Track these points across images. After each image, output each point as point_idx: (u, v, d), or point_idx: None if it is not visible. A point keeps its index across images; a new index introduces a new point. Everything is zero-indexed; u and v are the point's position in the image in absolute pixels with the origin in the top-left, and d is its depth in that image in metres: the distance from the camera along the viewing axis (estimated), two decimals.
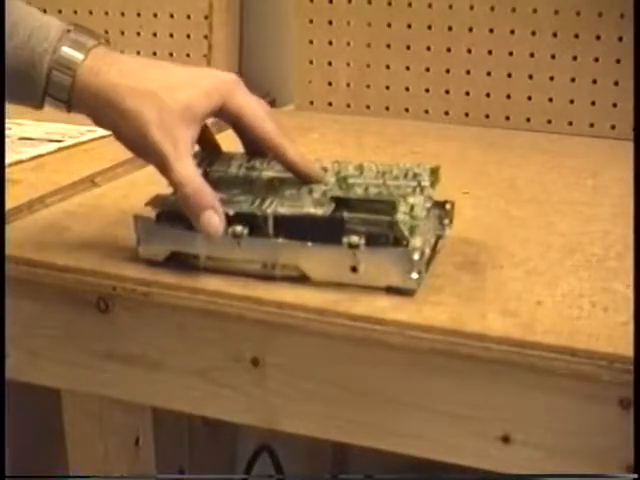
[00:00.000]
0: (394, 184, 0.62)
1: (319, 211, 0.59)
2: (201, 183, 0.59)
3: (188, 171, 0.59)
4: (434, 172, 0.64)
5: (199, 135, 0.63)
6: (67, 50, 0.60)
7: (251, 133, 0.62)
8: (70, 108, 0.61)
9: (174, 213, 0.60)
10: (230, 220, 0.59)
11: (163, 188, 0.62)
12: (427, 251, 0.60)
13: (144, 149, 0.60)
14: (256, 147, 0.64)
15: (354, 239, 0.57)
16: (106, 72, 0.60)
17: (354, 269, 0.58)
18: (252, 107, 0.62)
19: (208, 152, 0.66)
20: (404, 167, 0.64)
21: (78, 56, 0.60)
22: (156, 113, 0.59)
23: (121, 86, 0.59)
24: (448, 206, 0.65)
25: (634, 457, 0.50)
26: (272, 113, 0.63)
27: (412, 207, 0.60)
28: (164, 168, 0.59)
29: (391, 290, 0.58)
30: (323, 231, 0.55)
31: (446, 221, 0.65)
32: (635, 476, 0.50)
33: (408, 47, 1.11)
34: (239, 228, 0.59)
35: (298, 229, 0.58)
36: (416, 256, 0.57)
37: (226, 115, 0.62)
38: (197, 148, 0.66)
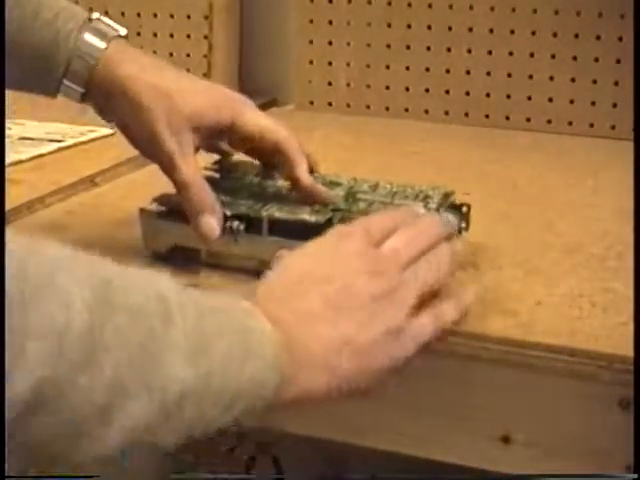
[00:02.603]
0: (401, 203, 0.62)
1: (313, 218, 0.59)
2: (203, 184, 0.60)
3: (192, 171, 0.60)
4: (447, 196, 0.64)
5: (220, 149, 0.65)
6: (90, 36, 0.61)
7: (272, 146, 0.62)
8: (84, 96, 0.62)
9: (178, 211, 0.61)
10: (228, 219, 0.60)
11: (162, 189, 0.62)
12: None
13: (150, 146, 0.60)
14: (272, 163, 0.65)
15: None
16: (127, 64, 0.60)
17: None
18: (269, 123, 0.62)
19: (228, 161, 0.68)
20: (419, 189, 0.64)
21: (100, 44, 0.61)
22: (166, 113, 0.59)
23: (140, 80, 0.60)
24: (464, 209, 0.64)
25: (634, 457, 0.50)
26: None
27: None
28: (170, 166, 0.60)
29: None
30: (314, 236, 0.54)
31: (462, 224, 0.64)
32: (635, 476, 0.50)
33: (408, 47, 1.11)
34: (236, 224, 0.59)
35: (290, 233, 0.58)
36: None
37: (240, 133, 0.62)
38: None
